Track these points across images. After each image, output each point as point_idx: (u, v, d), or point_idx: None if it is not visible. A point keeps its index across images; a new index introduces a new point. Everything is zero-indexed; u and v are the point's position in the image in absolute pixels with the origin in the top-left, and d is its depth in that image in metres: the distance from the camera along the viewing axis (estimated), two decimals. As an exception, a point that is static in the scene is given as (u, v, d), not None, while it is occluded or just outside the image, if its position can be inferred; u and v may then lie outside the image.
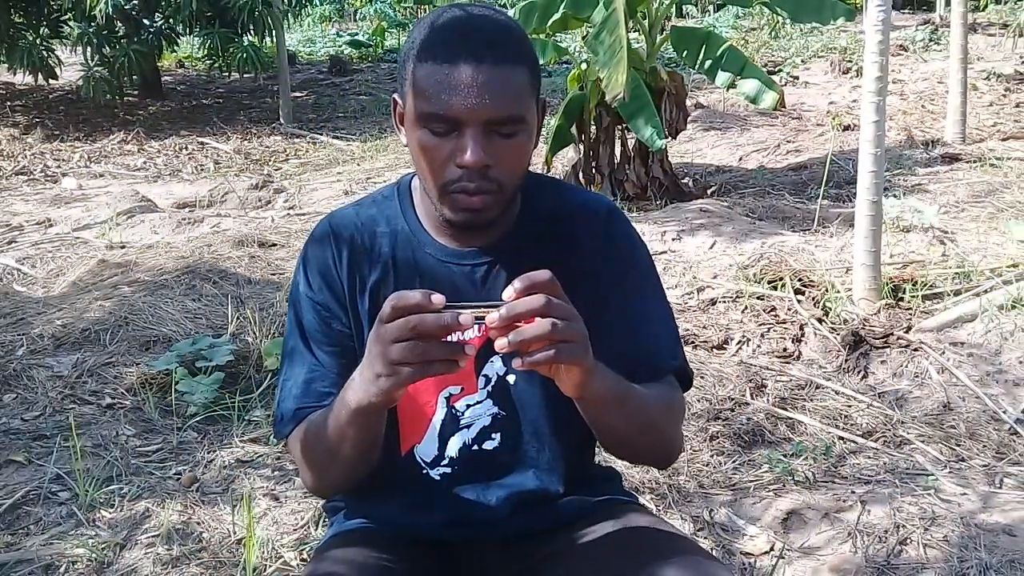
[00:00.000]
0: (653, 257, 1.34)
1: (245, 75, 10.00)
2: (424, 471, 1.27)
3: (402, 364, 0.99)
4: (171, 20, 9.44)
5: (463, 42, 1.11)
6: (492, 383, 1.26)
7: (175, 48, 10.69)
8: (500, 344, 0.99)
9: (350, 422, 1.11)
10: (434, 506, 1.28)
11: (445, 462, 1.27)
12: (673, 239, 4.38)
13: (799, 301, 3.56)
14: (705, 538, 2.22)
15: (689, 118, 5.95)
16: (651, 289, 1.30)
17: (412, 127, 1.15)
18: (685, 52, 5.48)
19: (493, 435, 1.27)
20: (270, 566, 2.10)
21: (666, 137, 5.26)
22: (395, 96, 1.22)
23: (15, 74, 9.69)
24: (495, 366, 1.26)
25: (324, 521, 2.19)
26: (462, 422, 1.26)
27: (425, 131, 1.13)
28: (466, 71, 1.09)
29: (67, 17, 9.42)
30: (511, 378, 1.26)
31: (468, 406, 1.26)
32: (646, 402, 1.19)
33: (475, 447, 1.26)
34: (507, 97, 1.11)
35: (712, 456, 2.61)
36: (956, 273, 3.70)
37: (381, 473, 1.25)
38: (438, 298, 0.99)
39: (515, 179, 1.17)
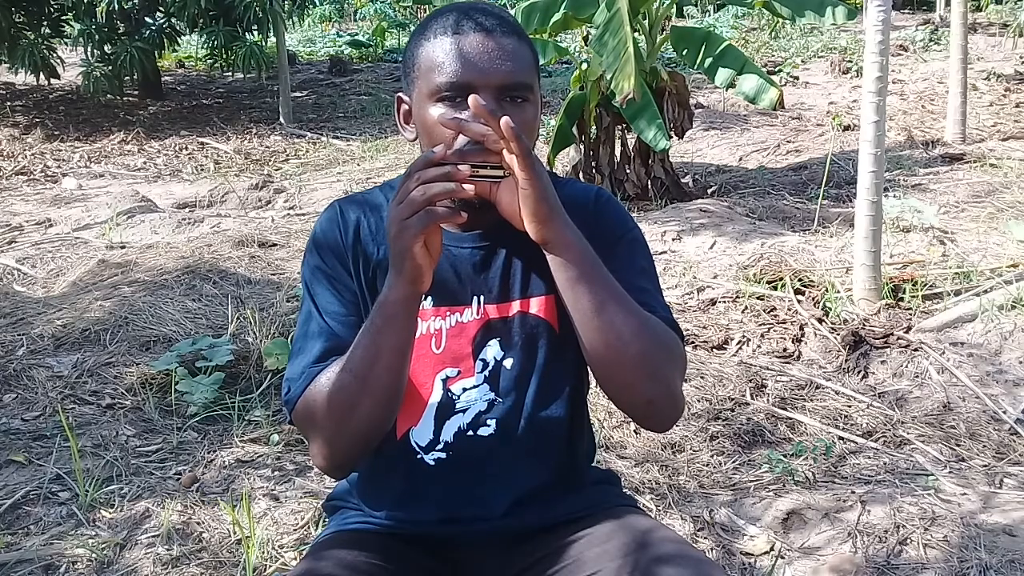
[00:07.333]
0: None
1: (247, 74, 10.00)
2: (419, 456, 1.27)
3: (410, 217, 1.06)
4: (173, 18, 9.44)
5: (470, 19, 1.18)
6: (489, 368, 1.27)
7: (176, 47, 10.69)
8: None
9: (385, 324, 1.13)
10: (428, 495, 1.28)
11: (440, 447, 1.27)
12: (673, 239, 4.38)
13: (799, 301, 3.56)
14: (705, 538, 2.22)
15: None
16: (639, 264, 1.29)
17: (425, 106, 1.19)
18: (685, 52, 5.48)
19: (488, 421, 1.27)
20: (270, 566, 2.10)
21: (671, 137, 5.25)
22: (399, 94, 1.27)
23: (16, 74, 9.69)
24: (493, 350, 1.27)
25: (324, 521, 2.19)
26: (458, 406, 1.27)
27: (438, 105, 1.17)
28: (477, 39, 1.17)
29: (68, 16, 9.42)
30: (508, 363, 1.27)
31: (464, 390, 1.27)
32: (624, 299, 1.16)
33: (470, 432, 1.27)
34: (516, 64, 1.18)
35: (712, 456, 2.61)
36: (956, 273, 3.70)
37: (377, 457, 1.25)
38: (440, 150, 1.08)
39: None
